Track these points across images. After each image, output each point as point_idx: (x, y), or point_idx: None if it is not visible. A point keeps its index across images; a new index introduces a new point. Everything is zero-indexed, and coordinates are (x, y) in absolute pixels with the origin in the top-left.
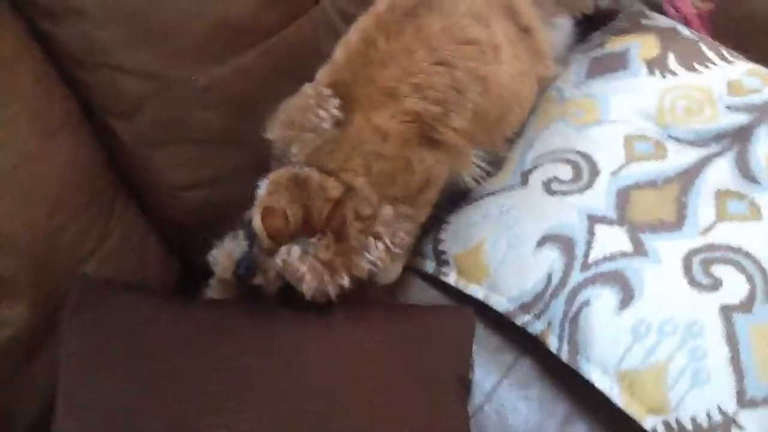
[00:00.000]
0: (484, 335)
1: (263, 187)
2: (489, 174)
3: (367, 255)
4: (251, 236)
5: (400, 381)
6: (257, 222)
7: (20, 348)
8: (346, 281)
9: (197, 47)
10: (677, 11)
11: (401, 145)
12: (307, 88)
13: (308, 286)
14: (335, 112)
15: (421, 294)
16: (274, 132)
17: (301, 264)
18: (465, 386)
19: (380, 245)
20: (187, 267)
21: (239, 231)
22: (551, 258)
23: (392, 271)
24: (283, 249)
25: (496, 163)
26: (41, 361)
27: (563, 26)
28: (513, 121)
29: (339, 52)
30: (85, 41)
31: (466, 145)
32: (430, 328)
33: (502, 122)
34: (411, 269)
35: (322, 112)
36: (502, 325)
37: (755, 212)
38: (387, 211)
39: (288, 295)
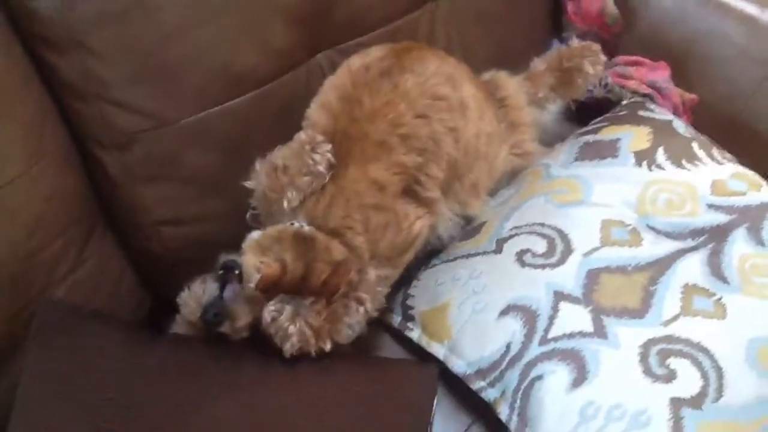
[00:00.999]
0: (444, 393)
1: (259, 233)
2: (463, 231)
3: (347, 319)
4: (225, 278)
5: None
6: (249, 265)
7: None
8: (328, 347)
9: (194, 90)
10: (668, 101)
11: (393, 196)
12: (301, 135)
13: (291, 346)
14: (329, 156)
15: (385, 348)
16: (260, 180)
17: (290, 325)
18: None
19: (361, 310)
20: (158, 300)
21: (209, 275)
22: (513, 328)
23: (352, 334)
24: (272, 305)
25: (468, 222)
26: (2, 378)
27: (551, 110)
28: (480, 178)
29: (317, 114)
30: (84, 74)
31: (441, 198)
32: (391, 383)
33: (470, 176)
34: (378, 323)
35: (317, 156)
36: (463, 385)
37: (720, 311)
38: (371, 275)
39: (254, 338)
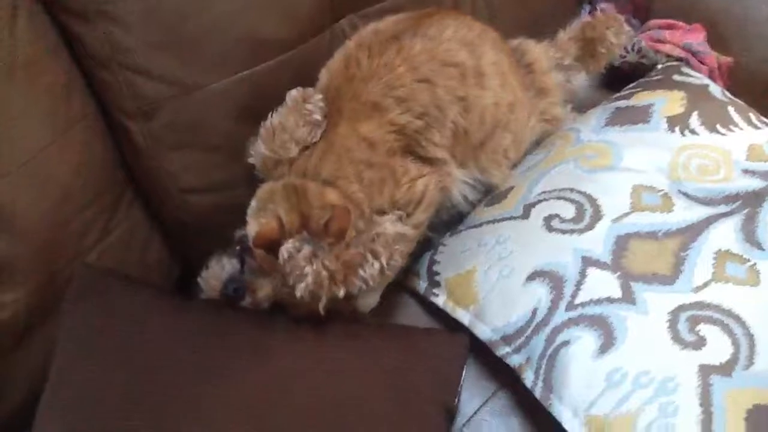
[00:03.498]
0: (470, 360)
1: (254, 200)
2: (489, 196)
3: (362, 272)
4: (242, 255)
5: (385, 404)
6: (251, 230)
7: (16, 330)
8: (341, 293)
9: (219, 57)
10: (703, 65)
11: (387, 154)
12: (292, 92)
13: (305, 287)
14: (322, 104)
15: (409, 314)
16: (259, 149)
17: (307, 264)
18: (449, 414)
19: (376, 264)
20: (186, 268)
21: (226, 253)
22: (539, 294)
23: (369, 302)
24: (291, 243)
25: (491, 190)
26: (34, 344)
27: (583, 76)
28: (503, 148)
29: (322, 75)
30: (110, 43)
31: (448, 158)
32: (421, 353)
33: (489, 146)
34: (403, 287)
35: (310, 106)
36: (488, 352)
37: (753, 277)
38: (389, 229)
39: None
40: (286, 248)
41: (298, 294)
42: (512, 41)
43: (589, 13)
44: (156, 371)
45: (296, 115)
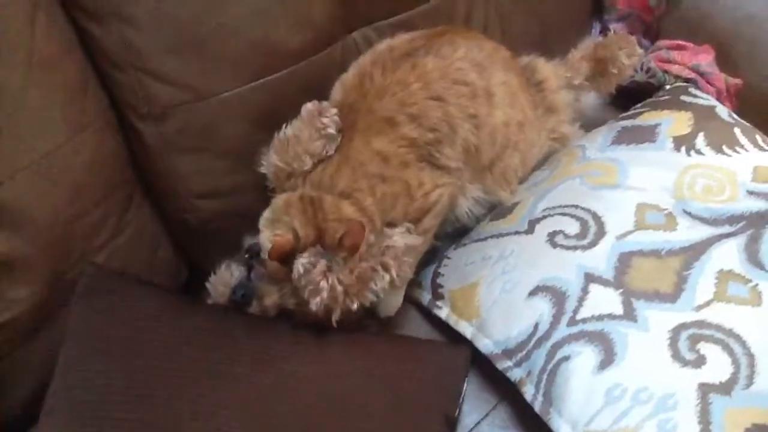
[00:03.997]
0: (472, 372)
1: (269, 210)
2: (495, 210)
3: (373, 285)
4: (250, 263)
5: (386, 412)
6: (264, 241)
7: (25, 327)
8: (354, 306)
9: (232, 63)
10: (712, 86)
11: (400, 168)
12: (307, 105)
13: (320, 301)
14: (337, 119)
15: (413, 325)
16: (272, 160)
17: (322, 279)
18: (450, 425)
19: (386, 277)
20: (195, 271)
21: (234, 259)
22: (541, 308)
23: (393, 304)
24: (307, 258)
25: (496, 206)
26: (42, 340)
27: (592, 95)
28: (511, 166)
29: (336, 90)
30: (124, 45)
31: (461, 171)
32: (424, 363)
33: (498, 164)
34: (407, 299)
35: (325, 120)
36: (489, 364)
37: (755, 298)
38: (399, 242)
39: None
40: (302, 263)
41: (313, 308)
42: (523, 58)
43: (600, 32)
44: (161, 370)
45: (311, 128)
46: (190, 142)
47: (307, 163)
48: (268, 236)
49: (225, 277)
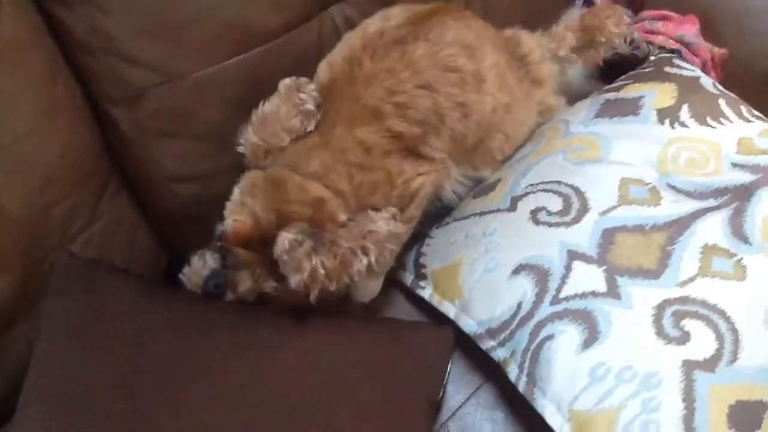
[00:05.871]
0: (456, 353)
1: (236, 190)
2: (477, 188)
3: (350, 268)
4: (222, 251)
5: (368, 395)
6: (227, 226)
7: (0, 317)
8: (333, 287)
9: (205, 44)
10: (697, 57)
11: (382, 157)
12: (285, 81)
13: (300, 280)
14: (315, 94)
15: (396, 307)
16: (250, 138)
17: (306, 260)
18: (434, 408)
19: (365, 260)
20: (174, 259)
21: (208, 248)
22: (524, 287)
23: (370, 290)
24: (293, 234)
25: (480, 183)
26: (18, 332)
27: (577, 68)
28: (496, 147)
29: (323, 70)
30: (94, 28)
31: (446, 159)
32: (406, 346)
33: (481, 147)
34: (390, 280)
35: (303, 95)
36: (474, 345)
37: (740, 272)
38: (381, 228)
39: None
40: (288, 239)
41: (291, 285)
42: (507, 31)
43: (584, 3)
44: (138, 361)
45: (289, 104)
46: (165, 126)
47: (285, 140)
48: (230, 222)
49: (198, 268)
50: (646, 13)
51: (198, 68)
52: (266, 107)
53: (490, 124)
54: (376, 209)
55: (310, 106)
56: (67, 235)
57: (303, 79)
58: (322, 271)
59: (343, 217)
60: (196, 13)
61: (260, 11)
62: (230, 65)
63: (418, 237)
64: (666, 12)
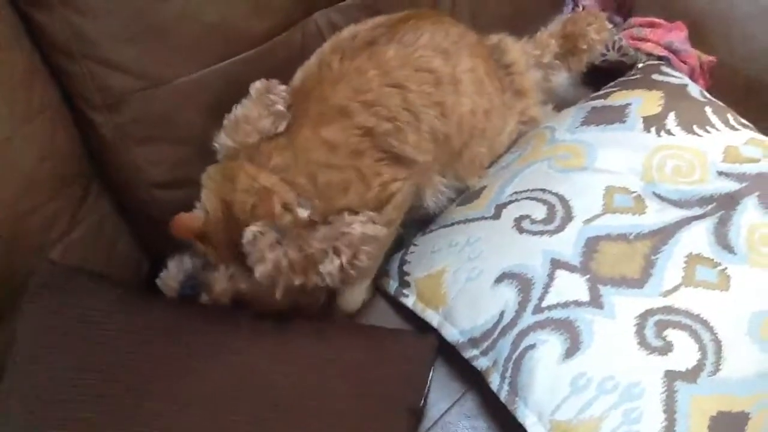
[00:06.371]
0: (439, 361)
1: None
2: (462, 195)
3: (321, 267)
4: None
5: (348, 404)
6: None
7: None
8: (297, 281)
9: (187, 48)
10: (685, 64)
11: (352, 156)
12: (255, 83)
13: (264, 271)
14: (285, 95)
15: (380, 314)
16: (223, 141)
17: (270, 251)
18: (414, 416)
19: (336, 261)
20: (156, 264)
21: (189, 251)
22: (507, 296)
23: (354, 300)
24: (257, 226)
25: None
26: None
27: (564, 75)
28: (479, 155)
29: (297, 75)
30: (72, 33)
31: (428, 161)
32: (387, 353)
33: (466, 154)
34: (374, 287)
35: (273, 96)
36: (457, 353)
37: (724, 282)
38: (356, 230)
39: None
40: (252, 231)
41: (257, 276)
42: (492, 38)
43: (572, 9)
44: (115, 370)
45: (260, 106)
46: (147, 132)
47: (256, 140)
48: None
49: (173, 272)
50: (634, 20)
51: (181, 74)
52: (238, 110)
53: (472, 126)
54: (352, 212)
55: (281, 107)
56: (46, 242)
57: (273, 81)
58: (285, 262)
59: (303, 212)
60: (179, 17)
61: (243, 15)
62: (213, 71)
63: (401, 244)
64: (654, 19)
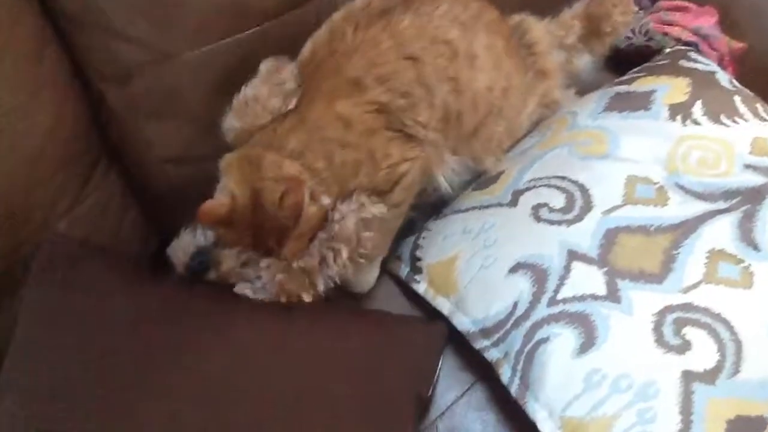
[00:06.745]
0: (449, 349)
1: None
2: (479, 179)
3: (327, 271)
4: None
5: (350, 389)
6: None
7: None
8: (309, 298)
9: (198, 23)
10: (714, 50)
11: (365, 135)
12: (265, 62)
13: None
14: (296, 71)
15: (389, 299)
16: (232, 123)
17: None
18: (422, 405)
19: (339, 260)
20: (164, 240)
21: (199, 227)
22: (521, 286)
23: (365, 281)
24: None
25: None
26: (3, 314)
27: (587, 58)
28: (497, 135)
29: (306, 47)
30: (84, 3)
31: (438, 141)
32: (394, 339)
33: (482, 133)
34: (385, 270)
35: (282, 75)
36: (468, 342)
37: (747, 280)
38: (348, 222)
39: None
40: (240, 288)
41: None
42: (514, 17)
43: None
44: (117, 349)
45: (269, 84)
46: (157, 106)
47: (267, 120)
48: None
49: (186, 243)
50: (662, 4)
51: (191, 48)
52: (248, 90)
53: (488, 104)
54: (359, 192)
55: (291, 85)
56: (52, 215)
57: (283, 58)
58: (276, 290)
59: (326, 200)
60: None
61: None
62: (224, 46)
63: (415, 227)
64: (683, 3)
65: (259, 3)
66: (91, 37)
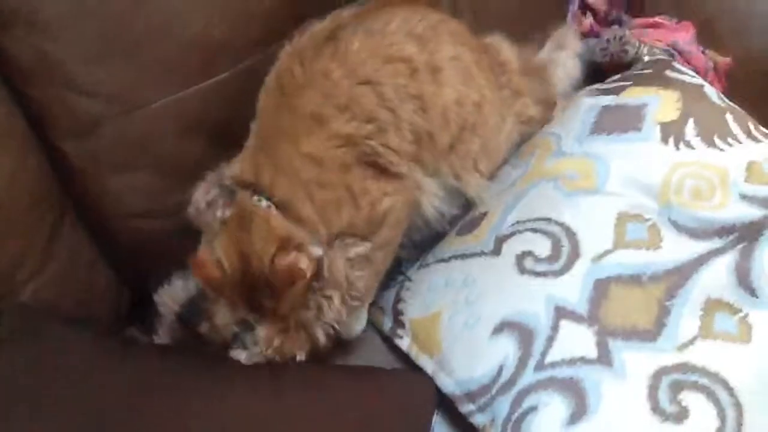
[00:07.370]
0: (445, 404)
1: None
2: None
3: (323, 317)
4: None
5: None
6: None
7: None
8: (302, 357)
9: (165, 68)
10: (689, 64)
11: (340, 171)
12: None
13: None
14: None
15: (377, 353)
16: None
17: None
18: None
19: (333, 306)
20: (141, 293)
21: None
22: (506, 349)
23: (354, 326)
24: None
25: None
26: None
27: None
28: (474, 152)
29: (260, 95)
30: (36, 54)
31: (415, 168)
32: (389, 396)
33: (460, 148)
34: (371, 323)
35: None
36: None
37: (744, 332)
38: (338, 263)
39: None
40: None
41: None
42: (486, 39)
43: (579, 7)
44: (91, 424)
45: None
46: (122, 159)
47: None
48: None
49: (176, 291)
50: (638, 21)
51: (157, 97)
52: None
53: (461, 119)
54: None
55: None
56: (16, 281)
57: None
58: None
59: (318, 251)
60: (151, 32)
61: (227, 29)
62: (194, 92)
63: (397, 275)
64: (658, 20)
65: (228, 44)
66: (45, 92)
